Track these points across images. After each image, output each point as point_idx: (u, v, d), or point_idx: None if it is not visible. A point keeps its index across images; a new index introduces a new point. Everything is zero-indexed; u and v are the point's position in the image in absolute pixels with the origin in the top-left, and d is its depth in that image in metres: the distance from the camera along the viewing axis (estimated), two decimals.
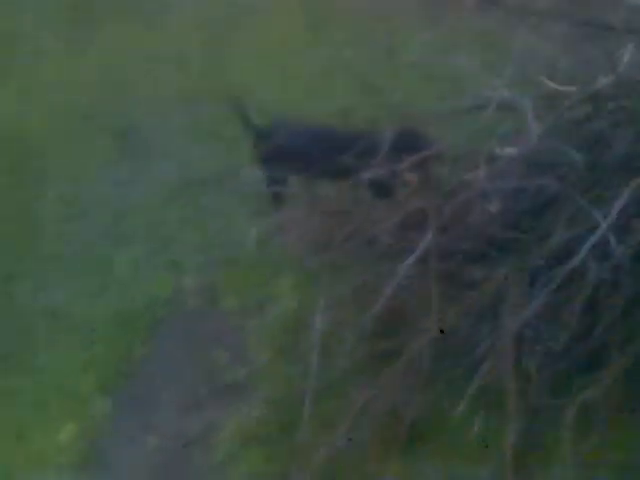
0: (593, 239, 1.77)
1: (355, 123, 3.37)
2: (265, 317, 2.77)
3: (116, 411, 2.46)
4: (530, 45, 4.39)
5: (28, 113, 3.99)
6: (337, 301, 2.39)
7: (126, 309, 2.89)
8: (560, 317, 1.93)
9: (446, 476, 2.15)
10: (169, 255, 3.13)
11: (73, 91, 4.09)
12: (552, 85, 2.62)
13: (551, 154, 1.95)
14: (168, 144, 3.77)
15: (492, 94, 2.25)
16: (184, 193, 3.49)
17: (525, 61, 3.97)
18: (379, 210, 2.18)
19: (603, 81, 2.46)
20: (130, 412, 2.46)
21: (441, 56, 3.95)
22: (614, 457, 2.06)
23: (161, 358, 2.67)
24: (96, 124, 3.88)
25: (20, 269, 3.15)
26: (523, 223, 1.94)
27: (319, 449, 2.13)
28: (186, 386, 2.54)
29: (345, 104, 3.63)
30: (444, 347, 2.17)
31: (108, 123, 3.87)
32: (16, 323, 2.89)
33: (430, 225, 1.92)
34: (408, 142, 2.69)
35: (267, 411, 2.37)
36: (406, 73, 3.91)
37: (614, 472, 2.05)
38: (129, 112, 3.93)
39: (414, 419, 2.14)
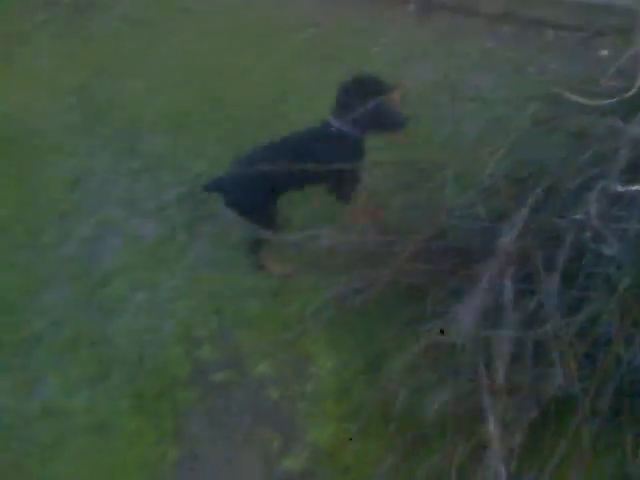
0: None
1: None
2: (307, 383, 2.47)
3: None
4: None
5: None
6: None
7: (139, 396, 2.47)
8: None
9: None
10: (172, 323, 2.74)
11: None
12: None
13: None
14: None
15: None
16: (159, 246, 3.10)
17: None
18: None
19: None
20: None
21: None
22: None
23: (201, 453, 2.29)
24: None
25: None
26: None
27: None
28: None
29: None
30: None
31: None
32: (12, 431, 2.40)
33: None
34: (367, 88, 2.63)
35: None
36: None
37: None
38: None
39: None
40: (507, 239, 1.77)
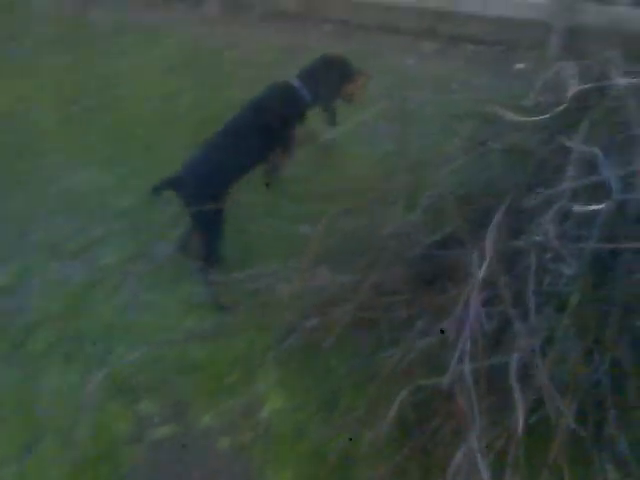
0: None
1: None
2: (259, 428, 2.31)
3: None
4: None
5: None
6: None
7: (75, 461, 2.24)
8: None
9: None
10: (106, 375, 2.52)
11: None
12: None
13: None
14: None
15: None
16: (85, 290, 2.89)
17: None
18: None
19: None
20: None
21: None
22: None
23: None
24: None
25: None
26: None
27: None
28: None
29: None
30: None
31: None
32: None
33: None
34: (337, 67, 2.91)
35: None
36: None
37: None
38: None
39: None
40: (481, 267, 1.69)
